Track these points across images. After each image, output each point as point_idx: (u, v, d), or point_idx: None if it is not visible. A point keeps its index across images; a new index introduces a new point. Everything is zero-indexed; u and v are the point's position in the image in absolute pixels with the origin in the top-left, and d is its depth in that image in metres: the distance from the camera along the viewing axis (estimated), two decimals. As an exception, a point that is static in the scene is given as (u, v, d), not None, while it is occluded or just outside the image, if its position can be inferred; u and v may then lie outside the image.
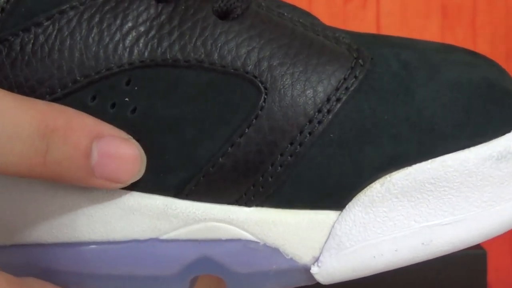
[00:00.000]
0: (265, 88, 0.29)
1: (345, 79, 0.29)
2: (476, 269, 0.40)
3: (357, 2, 0.53)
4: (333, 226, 0.29)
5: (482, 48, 0.54)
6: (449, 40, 0.54)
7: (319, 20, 0.32)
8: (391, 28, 0.54)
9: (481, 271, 0.42)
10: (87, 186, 0.28)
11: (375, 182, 0.29)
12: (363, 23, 0.52)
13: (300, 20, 0.30)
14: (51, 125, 0.27)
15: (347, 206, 0.29)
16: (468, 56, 0.31)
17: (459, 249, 0.29)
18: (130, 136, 0.28)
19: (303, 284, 0.30)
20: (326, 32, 0.30)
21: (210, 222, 0.29)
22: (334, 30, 0.31)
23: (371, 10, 0.53)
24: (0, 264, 0.29)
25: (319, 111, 0.29)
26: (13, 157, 0.26)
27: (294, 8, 0.31)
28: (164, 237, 0.29)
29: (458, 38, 0.54)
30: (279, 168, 0.29)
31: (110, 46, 0.29)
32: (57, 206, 0.29)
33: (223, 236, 0.29)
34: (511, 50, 0.54)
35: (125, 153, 0.28)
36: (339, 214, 0.29)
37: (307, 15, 0.31)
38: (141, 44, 0.29)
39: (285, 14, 0.30)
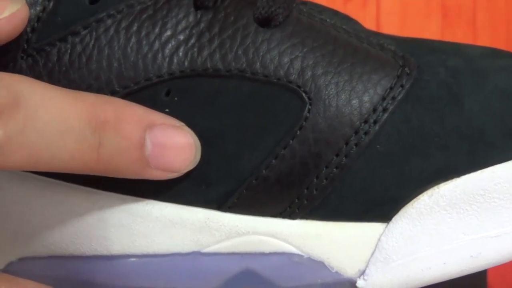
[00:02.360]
0: (309, 98, 0.27)
1: (391, 88, 0.28)
2: None
3: (357, 2, 0.52)
4: (379, 239, 0.28)
5: None
6: (449, 40, 0.53)
7: (360, 24, 0.30)
8: (391, 28, 0.53)
9: (481, 271, 0.41)
10: (142, 178, 0.26)
11: (422, 194, 0.27)
12: (363, 23, 0.52)
13: (343, 27, 0.29)
14: (101, 117, 0.25)
15: (393, 219, 0.28)
16: (515, 61, 0.29)
17: (508, 261, 0.28)
18: (182, 123, 0.27)
19: (348, 297, 0.29)
20: (370, 38, 0.29)
21: (253, 235, 0.28)
22: (378, 36, 0.29)
23: (371, 10, 0.52)
24: (37, 276, 0.28)
25: (366, 121, 0.27)
26: (65, 152, 0.24)
27: (335, 13, 0.30)
28: (206, 250, 0.28)
29: (458, 38, 0.53)
30: (324, 180, 0.27)
31: (149, 55, 0.27)
32: (96, 219, 0.28)
33: (267, 249, 0.28)
34: (511, 50, 0.53)
35: (179, 142, 0.26)
36: (386, 227, 0.28)
37: (349, 20, 0.30)
38: (180, 53, 0.27)
39: (327, 20, 0.29)
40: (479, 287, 0.38)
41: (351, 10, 0.51)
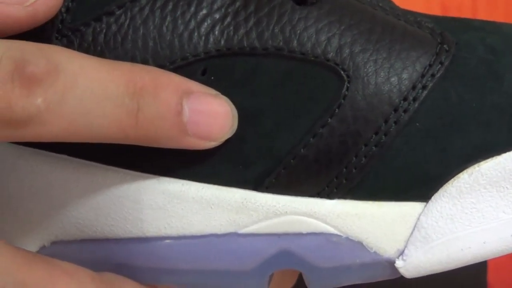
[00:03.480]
0: (348, 76, 0.27)
1: (430, 65, 0.27)
2: (476, 269, 0.39)
3: None
4: (418, 218, 0.27)
5: None
6: None
7: (395, 4, 0.30)
8: None
9: (481, 271, 0.41)
10: (179, 147, 0.26)
11: (462, 172, 0.27)
12: None
13: (380, 4, 0.28)
14: (139, 83, 0.25)
15: (433, 198, 0.27)
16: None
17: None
18: (218, 93, 0.26)
19: (387, 278, 0.28)
20: (407, 16, 0.28)
21: (291, 215, 0.27)
22: (415, 14, 0.29)
23: None
24: (70, 260, 0.28)
25: (405, 99, 0.27)
26: (104, 119, 0.24)
27: (370, -10, 0.30)
28: (243, 231, 0.28)
29: None
30: (363, 159, 0.27)
31: (185, 34, 0.27)
32: (131, 200, 0.28)
33: (304, 229, 0.27)
34: None
35: (216, 109, 0.26)
36: (425, 206, 0.27)
37: (383, -2, 0.30)
38: (216, 32, 0.27)
39: (364, -2, 0.29)
40: (479, 287, 0.38)
41: None
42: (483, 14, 0.52)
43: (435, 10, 0.52)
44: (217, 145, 0.26)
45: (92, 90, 0.24)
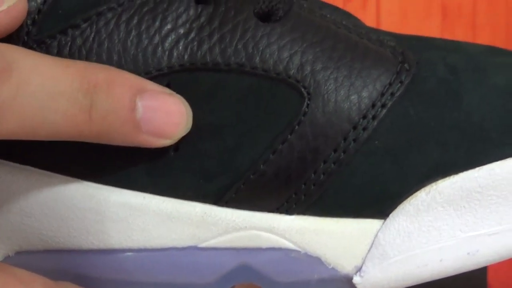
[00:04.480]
0: (308, 93, 0.27)
1: (390, 84, 0.28)
2: (476, 269, 0.39)
3: (357, 2, 0.52)
4: (376, 235, 0.28)
5: None
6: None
7: (360, 21, 0.30)
8: (391, 28, 0.52)
9: (481, 271, 0.41)
10: (133, 145, 0.26)
11: (420, 190, 0.27)
12: None
13: (343, 22, 0.29)
14: (93, 80, 0.25)
15: (391, 215, 0.27)
16: (515, 59, 0.29)
17: (505, 259, 0.28)
18: (173, 92, 0.26)
19: (344, 293, 0.29)
20: (370, 34, 0.29)
21: (250, 230, 0.28)
22: (378, 32, 0.29)
23: (371, 10, 0.52)
24: (34, 269, 0.28)
25: (364, 117, 0.27)
26: (58, 115, 0.25)
27: (335, 8, 0.30)
28: (203, 245, 0.28)
29: (458, 38, 0.52)
30: (322, 175, 0.27)
31: (149, 49, 0.27)
32: (93, 213, 0.28)
33: (264, 244, 0.28)
34: (511, 50, 0.53)
35: (170, 107, 0.26)
36: (383, 223, 0.28)
37: (349, 16, 0.30)
38: (180, 47, 0.27)
39: (328, 15, 0.29)
40: (479, 287, 0.38)
41: (351, 10, 0.51)
42: (483, 14, 0.53)
43: (435, 10, 0.53)
44: (172, 143, 0.26)
45: (45, 87, 0.24)
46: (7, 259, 0.29)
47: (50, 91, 0.24)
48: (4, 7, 0.25)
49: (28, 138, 0.25)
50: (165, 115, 0.26)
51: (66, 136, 0.25)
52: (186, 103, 0.26)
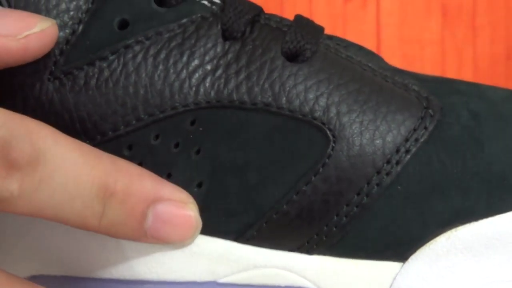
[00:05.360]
0: (333, 136, 0.28)
1: (415, 129, 0.28)
2: None
3: (357, 2, 0.51)
4: (395, 278, 0.28)
5: (482, 48, 0.52)
6: (449, 40, 0.52)
7: (384, 61, 0.30)
8: (391, 28, 0.52)
9: None
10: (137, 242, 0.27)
11: (440, 236, 0.27)
12: (363, 23, 0.51)
13: (369, 64, 0.29)
14: (111, 187, 0.26)
15: (410, 259, 0.28)
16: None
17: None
18: (189, 197, 0.27)
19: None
20: (395, 77, 0.29)
21: (270, 268, 0.28)
22: (403, 74, 0.29)
23: (371, 10, 0.51)
24: (50, 294, 0.29)
25: (388, 162, 0.28)
26: (70, 215, 0.25)
27: (360, 48, 0.30)
28: (222, 280, 0.28)
29: (458, 38, 0.52)
30: (344, 218, 0.28)
31: (176, 84, 0.28)
32: (115, 243, 0.28)
33: (283, 282, 0.28)
34: (511, 50, 0.53)
35: (180, 220, 0.27)
36: (402, 266, 0.28)
37: (373, 56, 0.30)
38: (207, 84, 0.28)
39: (354, 57, 0.29)
40: None
41: (351, 10, 0.51)
42: (483, 14, 0.52)
43: (435, 10, 0.52)
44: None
45: (66, 186, 0.25)
46: (23, 282, 0.29)
47: (70, 191, 0.25)
48: (36, 29, 0.26)
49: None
50: (172, 227, 0.27)
51: (75, 227, 0.26)
52: (198, 215, 0.27)
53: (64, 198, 0.25)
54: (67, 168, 0.25)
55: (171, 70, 0.27)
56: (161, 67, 0.27)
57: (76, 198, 0.25)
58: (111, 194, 0.26)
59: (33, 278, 0.29)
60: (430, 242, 0.27)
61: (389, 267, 0.28)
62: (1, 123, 0.24)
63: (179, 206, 0.27)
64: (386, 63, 0.30)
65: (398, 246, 0.27)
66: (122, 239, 0.27)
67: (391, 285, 0.28)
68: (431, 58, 0.50)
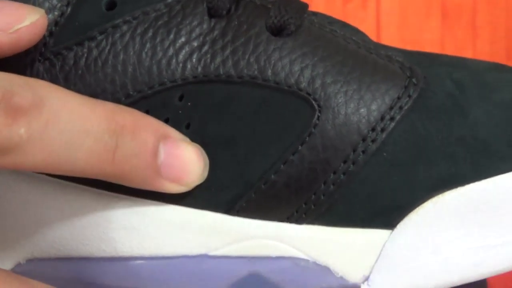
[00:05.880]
0: (319, 106, 0.28)
1: (399, 98, 0.28)
2: None
3: (357, 2, 0.52)
4: (384, 246, 0.28)
5: (482, 48, 0.53)
6: (449, 40, 0.52)
7: (368, 37, 0.31)
8: (391, 27, 0.53)
9: None
10: (150, 189, 0.27)
11: (427, 201, 0.28)
12: (363, 23, 0.51)
13: (353, 38, 0.30)
14: (120, 122, 0.26)
15: (398, 226, 0.28)
16: (520, 75, 0.30)
17: (510, 270, 0.29)
18: (191, 141, 0.28)
19: (352, 302, 0.29)
20: (378, 50, 0.30)
21: (260, 239, 0.28)
22: (386, 48, 0.30)
23: (371, 10, 0.52)
24: (45, 277, 0.29)
25: (373, 129, 0.28)
26: (83, 153, 0.25)
27: (344, 24, 0.31)
28: (214, 253, 0.29)
29: (458, 38, 0.52)
30: (332, 186, 0.28)
31: (164, 61, 0.28)
32: (106, 220, 0.29)
33: (273, 253, 0.28)
34: (511, 50, 0.53)
35: (190, 155, 0.27)
36: (391, 233, 0.28)
37: (357, 31, 0.31)
38: (194, 59, 0.28)
39: (337, 31, 0.30)
40: (479, 286, 0.38)
41: (351, 10, 0.51)
42: (483, 14, 0.53)
43: (435, 10, 0.53)
44: (186, 190, 0.27)
45: (73, 125, 0.25)
46: (19, 266, 0.29)
47: (78, 129, 0.25)
48: (26, 22, 0.26)
49: (52, 172, 0.26)
50: (184, 163, 0.27)
51: (89, 173, 0.26)
52: (204, 153, 0.27)
53: (74, 135, 0.25)
54: (71, 108, 0.25)
55: (158, 48, 0.28)
56: (148, 45, 0.28)
57: (85, 134, 0.25)
58: (121, 127, 0.26)
59: (29, 262, 0.30)
60: (417, 209, 0.28)
61: (377, 234, 0.28)
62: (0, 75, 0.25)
63: (187, 142, 0.27)
64: (370, 39, 0.30)
65: (385, 214, 0.28)
66: (137, 182, 0.27)
67: (380, 252, 0.28)
68: None
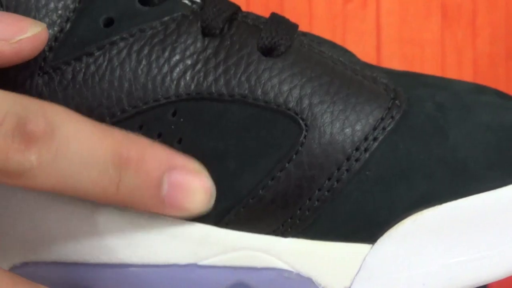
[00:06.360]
0: (306, 125, 0.29)
1: (382, 119, 0.30)
2: None
3: (357, 2, 0.51)
4: (364, 259, 0.30)
5: (482, 48, 0.52)
6: (449, 40, 0.53)
7: (356, 56, 0.32)
8: (391, 27, 0.52)
9: None
10: (157, 213, 0.28)
11: (407, 218, 0.29)
12: (363, 23, 0.51)
13: (340, 59, 0.31)
14: (124, 155, 0.27)
15: (379, 240, 0.30)
16: (499, 98, 0.31)
17: (484, 284, 0.31)
18: (202, 167, 0.29)
19: (333, 312, 0.31)
20: (364, 71, 0.31)
21: (247, 250, 0.30)
22: (372, 68, 0.31)
23: (371, 10, 0.51)
24: (40, 280, 0.30)
25: (357, 149, 0.30)
26: (88, 184, 0.27)
27: (333, 45, 0.32)
28: (203, 263, 0.30)
29: (458, 38, 0.52)
30: (316, 202, 0.30)
31: (158, 78, 0.29)
32: (100, 228, 0.30)
33: (259, 264, 0.30)
34: (511, 50, 0.52)
35: (194, 185, 0.28)
36: (371, 247, 0.30)
37: (345, 52, 0.32)
38: (188, 77, 0.30)
39: (326, 52, 0.31)
40: (479, 287, 0.39)
41: (351, 10, 0.51)
42: (483, 14, 0.52)
43: (435, 10, 0.52)
44: (192, 216, 0.29)
45: (82, 155, 0.26)
46: (14, 269, 0.31)
47: (86, 160, 0.26)
48: (28, 34, 0.27)
49: (59, 194, 0.27)
50: (188, 193, 0.28)
51: (94, 199, 0.28)
52: (211, 181, 0.28)
53: (81, 166, 0.26)
54: (82, 138, 0.27)
55: (154, 65, 0.29)
56: (144, 62, 0.29)
57: (91, 166, 0.27)
58: (126, 161, 0.27)
59: (24, 265, 0.31)
60: (397, 225, 0.29)
61: (359, 248, 0.29)
62: (15, 101, 0.26)
63: (194, 173, 0.28)
64: (357, 58, 0.32)
65: (367, 229, 0.29)
66: (142, 209, 0.28)
67: (361, 265, 0.29)
68: (431, 58, 0.51)
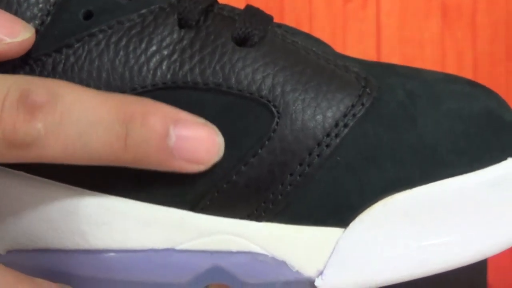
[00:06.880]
0: (278, 112, 0.30)
1: (353, 106, 0.31)
2: (476, 269, 0.41)
3: (357, 2, 0.52)
4: (337, 242, 0.31)
5: (482, 48, 0.53)
6: (449, 40, 0.53)
7: (331, 48, 0.33)
8: (391, 27, 0.53)
9: (481, 271, 0.43)
10: (170, 170, 0.29)
11: (378, 203, 0.30)
12: (363, 23, 0.51)
13: (313, 49, 0.32)
14: (129, 111, 0.28)
15: (351, 224, 0.30)
16: (469, 86, 0.32)
17: (454, 268, 0.31)
18: (207, 121, 0.29)
19: (307, 295, 0.32)
20: (336, 61, 0.32)
21: (223, 235, 0.31)
22: (344, 59, 0.32)
23: (371, 10, 0.52)
24: (23, 267, 0.31)
25: (328, 135, 0.30)
26: (97, 143, 0.28)
27: (307, 36, 0.33)
28: (179, 247, 0.31)
29: (458, 38, 0.53)
30: (289, 187, 0.30)
31: (135, 68, 0.30)
32: (78, 215, 0.30)
33: (234, 248, 0.31)
34: (511, 50, 0.53)
35: (202, 135, 0.29)
36: (343, 231, 0.31)
37: (319, 43, 0.33)
38: (164, 67, 0.31)
39: (299, 42, 0.32)
40: (479, 287, 0.40)
41: (351, 11, 0.51)
42: (483, 14, 0.53)
43: (435, 10, 0.53)
44: (206, 169, 0.29)
45: (86, 116, 0.28)
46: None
47: (90, 120, 0.27)
48: (18, 39, 0.29)
49: (71, 163, 0.28)
50: (196, 143, 0.29)
51: (105, 161, 0.28)
52: (218, 132, 0.29)
53: (87, 126, 0.27)
54: (84, 102, 0.28)
55: (131, 55, 0.30)
56: (122, 53, 0.30)
57: (97, 125, 0.27)
58: (131, 116, 0.28)
59: (8, 254, 0.32)
60: (368, 209, 0.30)
61: (331, 232, 0.30)
62: (16, 78, 0.28)
63: (199, 123, 0.29)
64: (331, 49, 0.33)
65: (339, 213, 0.30)
66: (152, 165, 0.28)
67: (333, 249, 0.30)
68: (431, 58, 0.52)
